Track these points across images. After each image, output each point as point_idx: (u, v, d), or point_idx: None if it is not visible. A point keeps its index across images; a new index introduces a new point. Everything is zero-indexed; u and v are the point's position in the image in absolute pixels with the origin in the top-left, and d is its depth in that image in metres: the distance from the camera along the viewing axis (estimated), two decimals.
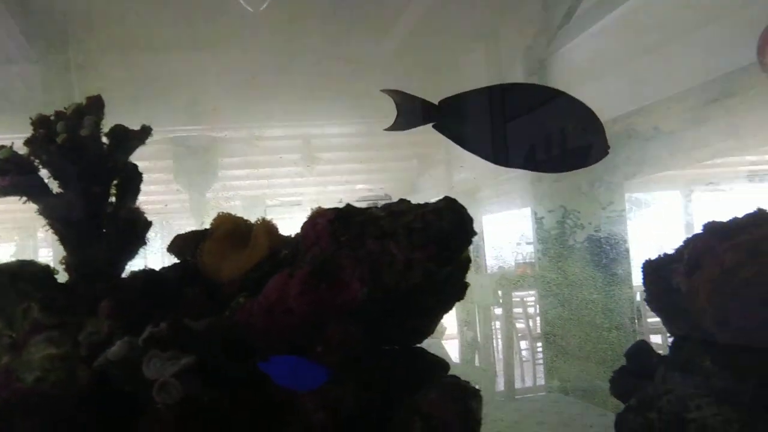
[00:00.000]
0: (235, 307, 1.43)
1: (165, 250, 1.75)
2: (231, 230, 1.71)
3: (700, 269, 1.61)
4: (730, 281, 1.52)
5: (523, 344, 6.84)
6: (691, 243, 1.69)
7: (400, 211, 1.34)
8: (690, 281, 1.64)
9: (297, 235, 1.63)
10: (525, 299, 7.00)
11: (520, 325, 7.24)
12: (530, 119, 1.35)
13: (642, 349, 1.73)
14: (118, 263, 1.48)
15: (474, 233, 1.31)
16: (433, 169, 7.74)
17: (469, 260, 1.52)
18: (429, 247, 1.26)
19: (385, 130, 1.42)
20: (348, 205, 1.40)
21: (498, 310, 6.71)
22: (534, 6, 5.98)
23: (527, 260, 6.49)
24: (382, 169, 8.42)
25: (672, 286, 1.67)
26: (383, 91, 1.42)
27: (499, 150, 1.38)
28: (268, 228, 1.62)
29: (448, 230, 1.25)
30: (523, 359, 6.61)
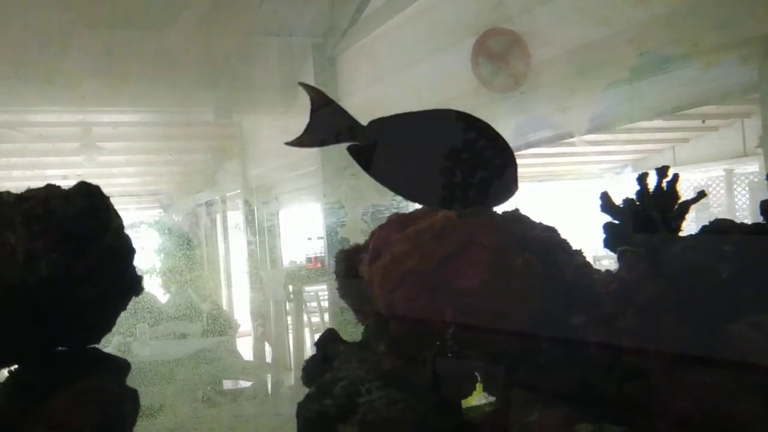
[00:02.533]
0: None
1: None
2: None
3: (380, 258, 1.67)
4: (397, 270, 1.60)
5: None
6: (376, 233, 1.75)
7: (25, 197, 1.22)
8: (370, 269, 1.70)
9: None
10: (319, 293, 7.11)
11: (315, 319, 7.33)
12: (449, 153, 1.25)
13: (330, 337, 1.77)
14: None
15: (113, 221, 1.23)
16: (228, 163, 7.55)
17: (130, 250, 1.44)
18: (51, 235, 1.15)
19: (287, 144, 1.19)
20: None
21: (289, 305, 6.73)
22: (323, 4, 6.06)
23: (318, 254, 6.58)
24: (177, 162, 8.06)
25: (359, 275, 1.72)
26: (301, 84, 1.20)
27: (421, 186, 1.28)
28: None
29: (74, 217, 1.16)
30: None
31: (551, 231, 1.63)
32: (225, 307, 7.38)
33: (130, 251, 1.41)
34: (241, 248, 7.36)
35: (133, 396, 1.33)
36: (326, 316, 7.26)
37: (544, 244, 1.60)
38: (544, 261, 1.59)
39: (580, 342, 1.50)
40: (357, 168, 1.24)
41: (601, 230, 1.79)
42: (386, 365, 1.61)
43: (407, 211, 1.71)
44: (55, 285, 1.24)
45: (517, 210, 1.65)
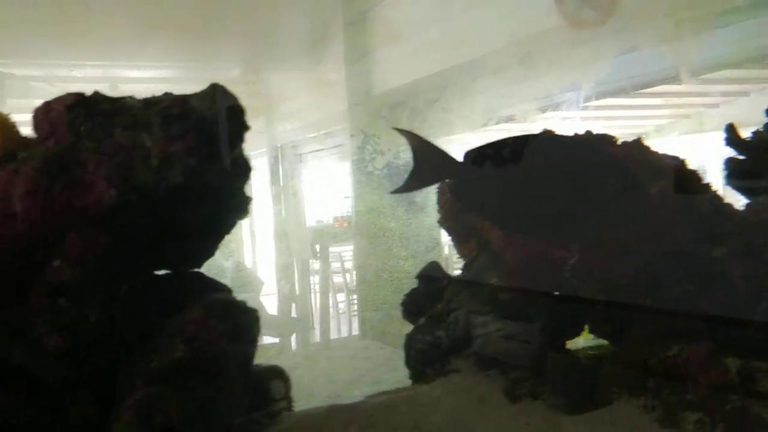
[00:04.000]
0: None
1: None
2: None
3: None
4: None
5: (340, 297, 6.89)
6: None
7: (157, 100, 1.14)
8: None
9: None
10: (342, 254, 7.04)
11: (338, 279, 7.28)
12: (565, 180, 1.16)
13: (433, 269, 1.70)
14: None
15: (247, 127, 1.14)
16: (253, 121, 7.41)
17: (248, 168, 1.36)
18: (188, 139, 1.07)
19: (392, 193, 1.15)
20: (95, 92, 1.16)
21: (316, 265, 6.66)
22: None
23: (345, 214, 6.49)
24: None
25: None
26: (396, 129, 1.19)
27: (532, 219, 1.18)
28: (1, 124, 1.32)
29: (213, 120, 1.07)
30: (340, 311, 6.66)
31: (680, 160, 1.54)
32: (249, 265, 7.32)
33: (249, 168, 1.33)
34: (265, 207, 7.27)
35: (255, 312, 1.26)
36: (348, 276, 7.22)
37: (676, 173, 1.51)
38: (678, 190, 1.51)
39: (719, 274, 1.43)
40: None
41: (723, 165, 1.70)
42: (502, 297, 1.54)
43: None
44: (183, 195, 1.16)
45: (638, 139, 1.56)
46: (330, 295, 7.09)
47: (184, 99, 1.08)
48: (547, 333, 1.51)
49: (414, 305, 1.70)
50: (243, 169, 1.31)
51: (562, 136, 1.32)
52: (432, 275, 1.70)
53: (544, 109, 2.36)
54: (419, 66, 2.62)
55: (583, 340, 1.74)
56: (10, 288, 1.16)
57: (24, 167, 1.08)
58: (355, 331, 6.07)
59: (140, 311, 1.26)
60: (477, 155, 1.15)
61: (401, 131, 1.19)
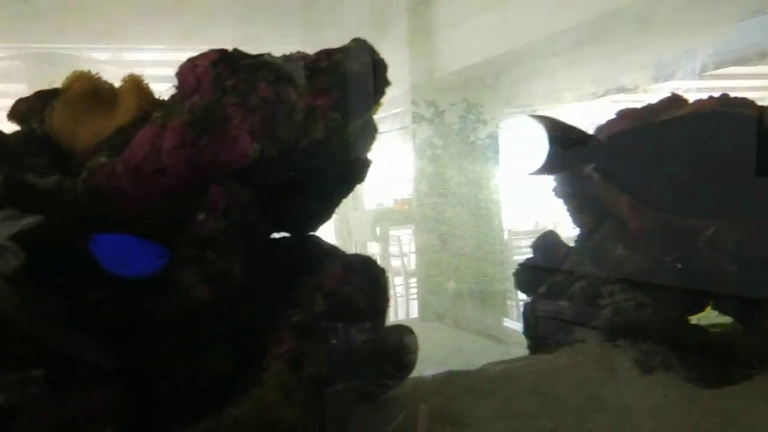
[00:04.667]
0: (93, 168, 1.17)
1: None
2: (88, 90, 1.42)
3: None
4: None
5: (398, 280, 6.88)
6: (605, 127, 1.59)
7: (298, 56, 1.13)
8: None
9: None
10: (400, 237, 7.01)
11: (395, 263, 7.27)
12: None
13: (549, 239, 1.66)
14: None
15: (389, 83, 1.12)
16: None
17: (376, 129, 1.35)
18: (334, 94, 1.06)
19: (531, 174, 1.19)
20: (234, 49, 1.16)
21: (375, 248, 6.66)
22: None
23: (406, 197, 6.44)
24: None
25: (582, 173, 1.58)
26: (532, 116, 1.18)
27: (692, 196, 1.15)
28: (137, 85, 1.35)
29: (359, 73, 1.06)
30: (398, 295, 6.66)
31: None
32: None
33: (377, 129, 1.32)
34: None
35: (381, 270, 1.26)
36: (405, 260, 7.20)
37: None
38: None
39: None
40: None
41: None
42: (629, 267, 1.48)
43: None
44: (320, 152, 1.16)
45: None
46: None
47: (329, 53, 1.07)
48: (678, 305, 1.45)
49: (529, 276, 1.66)
50: (372, 130, 1.30)
51: (718, 114, 1.25)
52: (549, 245, 1.65)
53: (657, 79, 2.24)
54: (520, 33, 2.52)
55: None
56: (158, 241, 1.20)
57: (172, 122, 1.10)
58: (413, 315, 6.05)
59: (274, 267, 1.28)
60: (633, 136, 1.13)
61: (537, 117, 1.18)
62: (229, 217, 1.11)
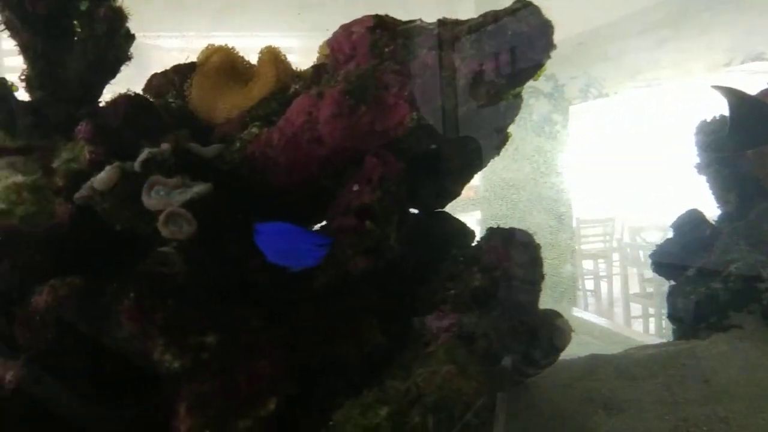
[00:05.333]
0: (247, 139, 1.16)
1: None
2: (225, 62, 1.42)
3: None
4: None
5: None
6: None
7: (454, 21, 1.09)
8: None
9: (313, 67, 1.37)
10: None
11: None
12: None
13: (694, 218, 1.55)
14: (95, 83, 1.18)
15: (555, 46, 1.06)
16: None
17: (521, 99, 1.29)
18: (501, 58, 1.01)
19: (720, 155, 1.16)
20: (386, 15, 1.13)
21: None
22: None
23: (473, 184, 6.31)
24: None
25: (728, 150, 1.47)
26: (715, 87, 1.11)
27: None
28: (275, 56, 1.34)
29: (528, 35, 1.00)
30: None
31: None
32: None
33: (522, 100, 1.26)
34: None
35: (537, 245, 1.20)
36: None
37: None
38: None
39: None
40: None
41: None
42: None
43: None
44: (474, 120, 1.11)
45: None
46: None
47: (496, 14, 1.02)
48: None
49: (669, 258, 1.56)
50: (520, 100, 1.24)
51: None
52: (693, 225, 1.55)
53: None
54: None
55: None
56: (309, 211, 1.19)
57: (329, 90, 1.08)
58: None
59: (417, 241, 1.25)
60: None
61: (720, 88, 1.10)
62: (384, 188, 1.08)
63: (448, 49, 1.04)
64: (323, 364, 1.09)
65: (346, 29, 1.13)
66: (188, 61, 1.49)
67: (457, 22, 1.07)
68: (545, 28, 1.03)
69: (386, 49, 1.07)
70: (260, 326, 1.01)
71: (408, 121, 1.07)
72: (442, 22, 1.11)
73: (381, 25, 1.10)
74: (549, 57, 1.07)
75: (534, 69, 1.05)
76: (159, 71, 1.50)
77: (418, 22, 1.14)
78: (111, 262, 1.03)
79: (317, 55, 1.50)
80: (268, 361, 1.00)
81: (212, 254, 1.01)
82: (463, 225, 1.46)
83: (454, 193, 1.42)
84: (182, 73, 1.46)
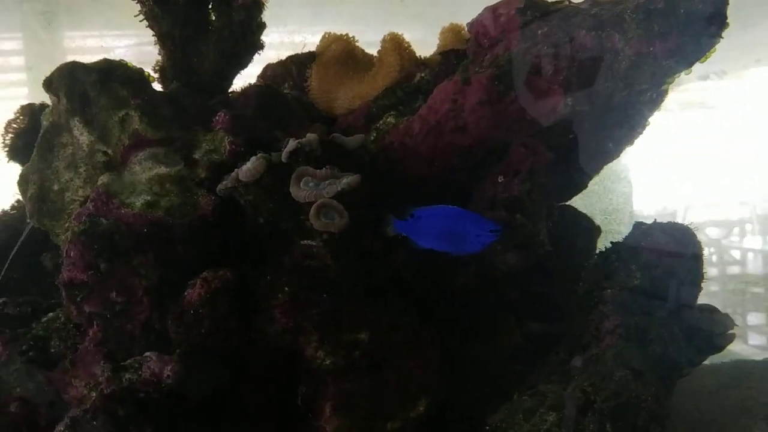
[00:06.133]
0: (383, 129, 1.12)
1: None
2: (344, 51, 1.38)
3: None
4: None
5: None
6: None
7: (616, 0, 1.01)
8: None
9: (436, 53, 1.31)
10: None
11: None
12: None
13: None
14: (227, 72, 1.16)
15: (727, 24, 0.97)
16: None
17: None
18: (672, 38, 0.93)
19: None
20: None
21: None
22: None
23: None
24: None
25: None
26: None
27: None
28: (398, 44, 1.29)
29: (702, 13, 0.92)
30: None
31: None
32: None
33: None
34: None
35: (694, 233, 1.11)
36: None
37: None
38: None
39: None
40: None
41: None
42: None
43: None
44: (626, 108, 1.04)
45: None
46: None
47: None
48: None
49: None
50: (666, 92, 1.16)
51: None
52: None
53: None
54: None
55: None
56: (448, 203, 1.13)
57: (476, 76, 1.02)
58: None
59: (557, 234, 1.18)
60: None
61: None
62: (534, 180, 1.02)
63: (611, 30, 0.97)
64: (465, 365, 1.04)
65: (490, 11, 1.07)
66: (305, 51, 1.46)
67: (616, 2, 1.00)
68: (720, 3, 0.94)
69: (540, 31, 1.01)
70: (412, 324, 0.97)
71: (560, 108, 1.00)
72: (597, 2, 1.04)
73: (532, 6, 1.03)
74: (722, 37, 0.98)
75: (705, 49, 0.96)
76: (274, 61, 1.48)
77: (566, 2, 1.07)
78: (251, 256, 1.01)
79: (437, 42, 1.45)
80: (419, 361, 0.95)
81: (358, 247, 0.97)
82: (589, 220, 1.39)
83: (582, 186, 1.34)
84: (300, 62, 1.43)
